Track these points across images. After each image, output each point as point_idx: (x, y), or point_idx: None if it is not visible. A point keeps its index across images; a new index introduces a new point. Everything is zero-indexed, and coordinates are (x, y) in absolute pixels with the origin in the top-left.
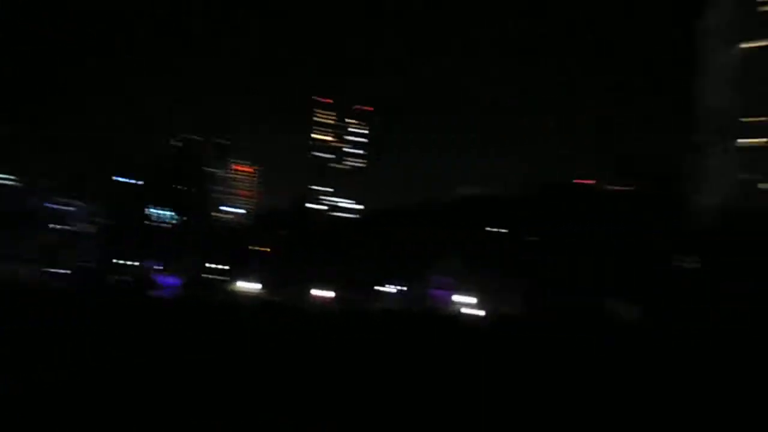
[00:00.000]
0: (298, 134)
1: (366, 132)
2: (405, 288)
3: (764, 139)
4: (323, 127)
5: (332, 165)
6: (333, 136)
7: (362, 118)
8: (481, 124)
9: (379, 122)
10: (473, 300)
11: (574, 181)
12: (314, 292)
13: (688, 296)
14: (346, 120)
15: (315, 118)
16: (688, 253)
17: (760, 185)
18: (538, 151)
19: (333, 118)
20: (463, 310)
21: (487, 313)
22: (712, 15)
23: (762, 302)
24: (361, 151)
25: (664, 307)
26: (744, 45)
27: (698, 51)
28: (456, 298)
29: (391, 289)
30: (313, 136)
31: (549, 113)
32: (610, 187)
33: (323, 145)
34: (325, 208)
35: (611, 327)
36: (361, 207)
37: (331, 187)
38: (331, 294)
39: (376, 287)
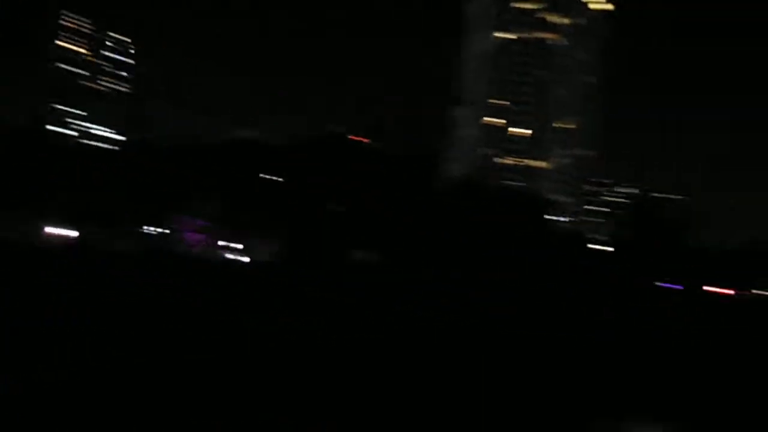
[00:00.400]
0: (38, 39)
1: (133, 51)
2: (162, 230)
3: (504, 121)
4: (75, 36)
5: (83, 83)
6: (87, 48)
7: (130, 34)
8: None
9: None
10: (239, 246)
11: (350, 137)
12: (48, 229)
13: (431, 249)
14: (108, 33)
15: (63, 22)
16: (434, 213)
17: (497, 159)
18: (314, 104)
19: (89, 26)
20: (228, 255)
21: (251, 259)
22: (475, 2)
23: (491, 255)
24: (124, 73)
25: (408, 257)
26: (498, 35)
27: (462, 32)
28: (222, 243)
29: (146, 229)
30: (59, 43)
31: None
32: (376, 148)
33: (73, 57)
34: (75, 134)
35: (361, 274)
36: (122, 138)
37: (82, 110)
38: (73, 233)
39: (131, 227)
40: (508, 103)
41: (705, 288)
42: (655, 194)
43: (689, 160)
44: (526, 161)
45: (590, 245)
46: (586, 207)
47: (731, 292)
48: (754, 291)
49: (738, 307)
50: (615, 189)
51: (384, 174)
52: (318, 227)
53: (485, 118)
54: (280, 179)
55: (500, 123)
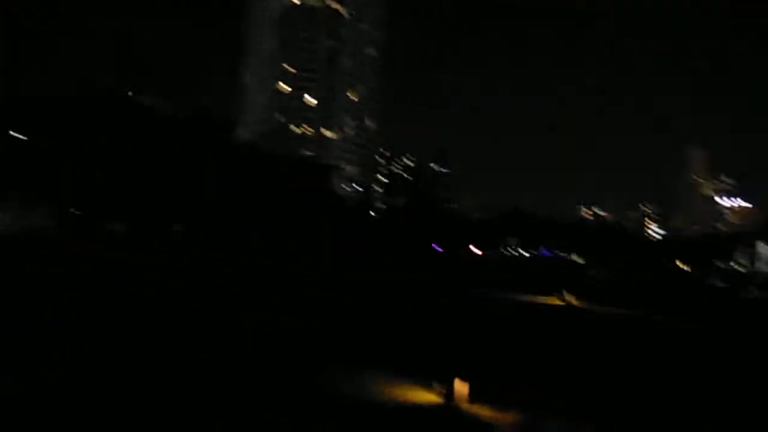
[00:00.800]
0: None
1: None
2: None
3: (291, 88)
4: None
5: None
6: None
7: None
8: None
9: None
10: None
11: (128, 94)
12: None
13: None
14: None
15: None
16: (222, 180)
17: (292, 128)
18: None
19: None
20: None
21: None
22: None
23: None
24: None
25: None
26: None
27: None
28: None
29: None
30: None
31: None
32: (160, 108)
33: None
34: None
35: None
36: None
37: None
38: None
39: None
40: (295, 70)
41: (463, 250)
42: (430, 165)
43: (459, 134)
44: (318, 130)
45: (373, 213)
46: (374, 177)
47: (480, 252)
48: (502, 251)
49: (487, 263)
50: (397, 160)
51: (166, 136)
52: (70, 194)
53: (279, 84)
54: (25, 138)
55: (289, 90)
